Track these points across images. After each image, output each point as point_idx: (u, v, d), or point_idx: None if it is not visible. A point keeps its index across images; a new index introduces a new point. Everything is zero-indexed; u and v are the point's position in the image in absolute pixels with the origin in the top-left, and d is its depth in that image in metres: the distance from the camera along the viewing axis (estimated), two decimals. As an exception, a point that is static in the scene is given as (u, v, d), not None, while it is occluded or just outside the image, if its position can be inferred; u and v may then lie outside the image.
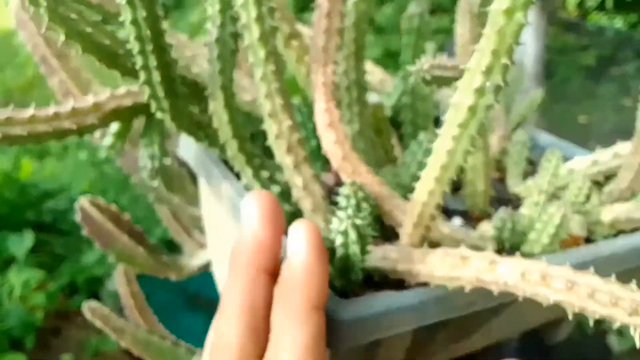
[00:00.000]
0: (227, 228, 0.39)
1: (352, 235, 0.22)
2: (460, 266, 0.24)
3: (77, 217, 0.47)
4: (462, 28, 0.31)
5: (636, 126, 0.35)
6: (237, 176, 0.34)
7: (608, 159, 0.40)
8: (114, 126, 0.33)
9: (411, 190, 0.26)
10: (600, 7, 2.93)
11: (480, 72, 0.20)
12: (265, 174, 0.32)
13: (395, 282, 0.27)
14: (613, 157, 0.40)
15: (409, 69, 0.25)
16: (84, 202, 0.47)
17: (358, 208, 0.22)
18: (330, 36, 0.27)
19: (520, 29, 0.19)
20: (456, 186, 0.39)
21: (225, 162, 0.36)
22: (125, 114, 0.31)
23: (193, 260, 0.54)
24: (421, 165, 0.26)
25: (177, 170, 0.52)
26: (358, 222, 0.22)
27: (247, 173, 0.32)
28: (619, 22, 3.04)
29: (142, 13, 0.23)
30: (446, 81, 0.25)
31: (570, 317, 0.21)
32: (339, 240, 0.22)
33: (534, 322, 0.41)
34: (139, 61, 0.25)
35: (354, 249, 0.23)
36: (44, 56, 0.45)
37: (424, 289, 0.26)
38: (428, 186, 0.24)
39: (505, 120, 0.47)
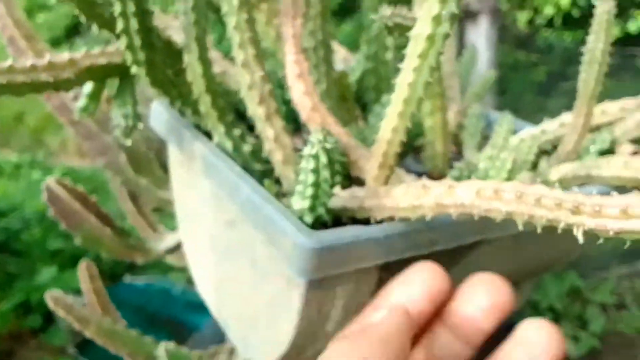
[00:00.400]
0: (200, 199, 0.39)
1: (323, 158, 0.24)
2: (423, 195, 0.26)
3: (44, 197, 0.47)
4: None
5: (578, 89, 0.38)
6: (209, 137, 0.35)
7: (555, 127, 0.43)
8: (87, 87, 0.33)
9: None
10: (549, 23, 3.09)
11: (437, 1, 0.22)
12: (237, 132, 0.33)
13: (362, 222, 0.29)
14: (559, 126, 0.43)
15: (372, 17, 0.27)
16: (50, 181, 0.47)
17: (327, 139, 0.24)
18: (299, -10, 0.29)
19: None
20: (418, 151, 0.42)
21: (197, 127, 0.37)
22: (99, 73, 0.32)
23: (161, 244, 0.55)
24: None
25: (145, 152, 0.53)
26: (328, 146, 0.23)
27: (219, 130, 0.33)
28: (568, 38, 3.22)
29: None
30: (406, 29, 0.27)
31: (520, 227, 0.23)
32: (310, 165, 0.24)
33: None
34: (117, 8, 0.26)
35: (325, 174, 0.24)
36: (12, 37, 0.46)
37: (389, 224, 0.28)
38: (392, 123, 0.26)
39: (461, 99, 0.50)
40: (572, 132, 0.40)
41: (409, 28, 0.27)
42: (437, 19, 0.22)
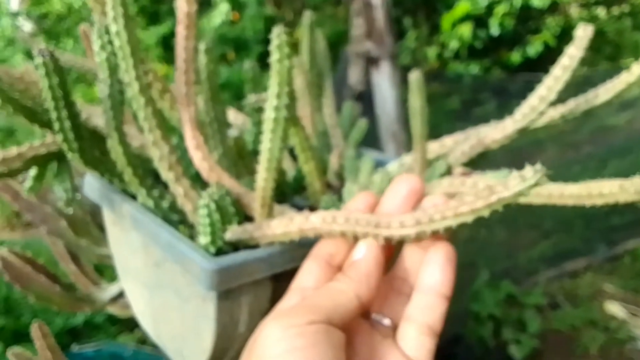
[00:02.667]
0: (132, 249, 0.49)
1: (212, 205, 0.34)
2: (290, 224, 0.37)
3: (-2, 265, 0.54)
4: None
5: (412, 133, 0.51)
6: (134, 199, 0.45)
7: (409, 160, 0.56)
8: (33, 171, 0.43)
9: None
10: (456, 56, 3.36)
11: (274, 96, 0.33)
12: (156, 192, 0.43)
13: (253, 248, 0.39)
14: (413, 159, 0.56)
15: (242, 103, 0.38)
16: (2, 251, 0.54)
17: (215, 192, 0.35)
18: (189, 87, 0.40)
19: (288, 70, 0.33)
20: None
21: (124, 192, 0.47)
22: (41, 160, 0.42)
23: (105, 293, 0.62)
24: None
25: (82, 217, 0.61)
26: (216, 197, 0.34)
27: (142, 193, 0.43)
28: (475, 68, 3.49)
29: (55, 80, 0.34)
30: (268, 109, 0.39)
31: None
32: (204, 212, 0.34)
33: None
34: (53, 114, 0.36)
35: (216, 216, 0.35)
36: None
37: (270, 247, 0.39)
38: (262, 175, 0.37)
39: (344, 144, 0.63)
40: (415, 163, 0.52)
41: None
42: (277, 108, 0.34)
